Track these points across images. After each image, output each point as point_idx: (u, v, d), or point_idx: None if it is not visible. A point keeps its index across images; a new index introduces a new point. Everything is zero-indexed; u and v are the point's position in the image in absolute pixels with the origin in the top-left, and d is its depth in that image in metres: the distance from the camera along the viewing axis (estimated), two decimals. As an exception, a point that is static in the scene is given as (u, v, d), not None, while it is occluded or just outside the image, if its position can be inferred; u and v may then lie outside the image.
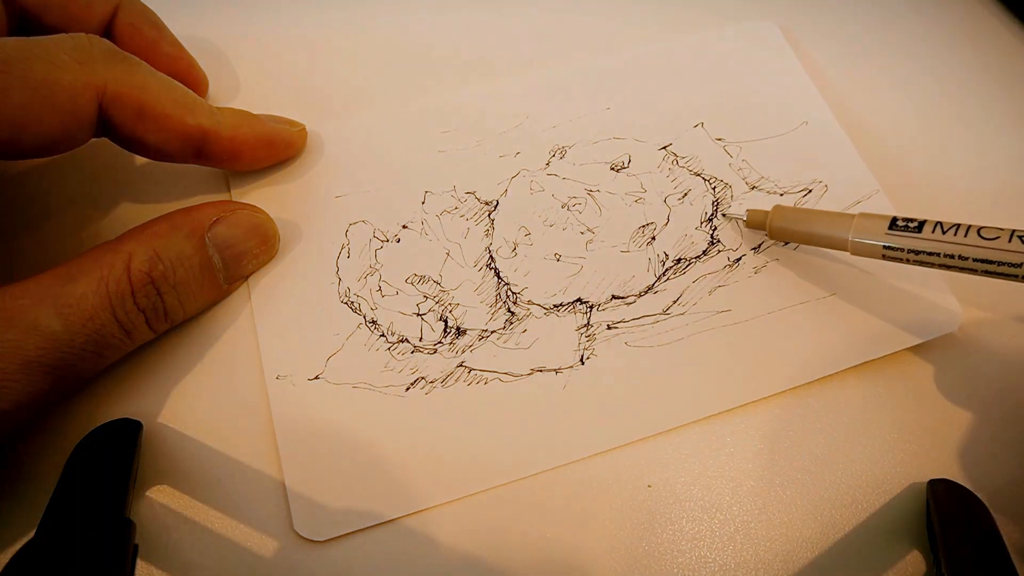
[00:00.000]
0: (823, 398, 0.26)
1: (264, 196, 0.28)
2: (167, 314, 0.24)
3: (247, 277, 0.27)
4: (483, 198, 0.29)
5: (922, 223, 0.23)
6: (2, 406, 0.20)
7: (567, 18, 0.33)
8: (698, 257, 0.28)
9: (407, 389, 0.25)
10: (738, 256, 0.28)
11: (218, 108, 0.26)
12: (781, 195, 0.29)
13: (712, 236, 0.28)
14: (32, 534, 0.20)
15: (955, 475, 0.24)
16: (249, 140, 0.27)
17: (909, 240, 0.23)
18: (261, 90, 0.31)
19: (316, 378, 0.25)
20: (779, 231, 0.26)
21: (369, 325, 0.26)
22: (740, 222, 0.28)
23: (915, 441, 0.25)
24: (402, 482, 0.24)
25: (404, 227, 0.28)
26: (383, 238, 0.28)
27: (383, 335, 0.26)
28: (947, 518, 0.22)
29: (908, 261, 0.23)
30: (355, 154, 0.30)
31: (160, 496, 0.24)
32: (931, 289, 0.27)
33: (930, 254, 0.22)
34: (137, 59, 0.24)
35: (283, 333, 0.26)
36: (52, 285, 0.21)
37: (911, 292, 0.27)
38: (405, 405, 0.25)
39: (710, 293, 0.27)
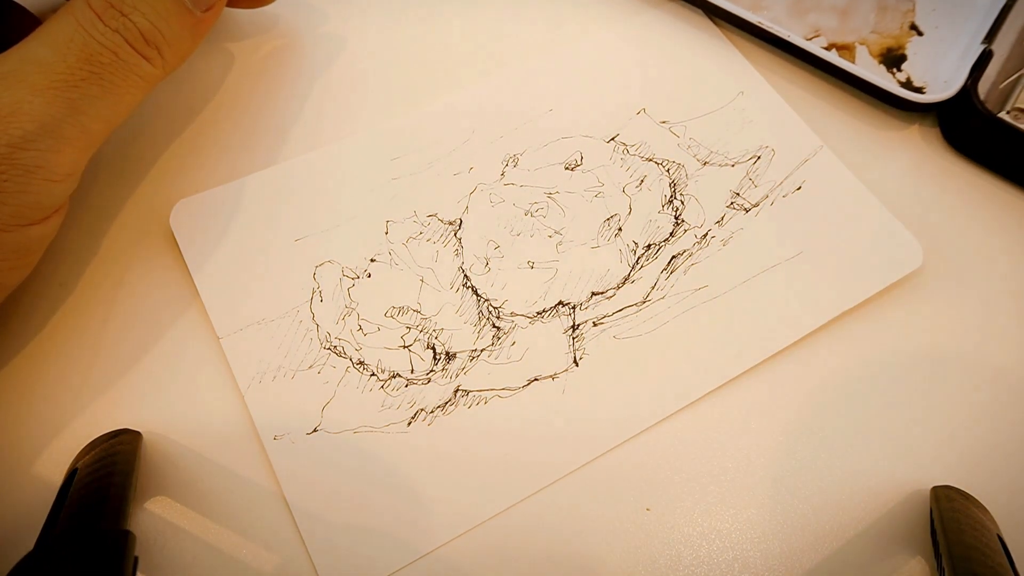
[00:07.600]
0: (826, 399, 0.26)
1: (219, 251, 0.27)
2: (144, 35, 0.24)
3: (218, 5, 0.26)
4: (446, 219, 0.28)
5: None
6: (27, 126, 0.21)
7: (493, 27, 0.33)
8: (666, 240, 0.28)
9: (408, 424, 0.25)
10: (704, 232, 0.28)
11: None
12: (733, 166, 0.30)
13: (676, 217, 0.29)
14: (31, 546, 0.19)
15: (959, 481, 0.24)
16: None
17: None
18: (196, 140, 0.30)
19: (315, 431, 0.24)
20: None
21: (357, 366, 0.26)
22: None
23: (918, 447, 0.25)
24: (420, 517, 0.23)
25: (372, 260, 0.28)
26: (353, 275, 0.27)
27: (374, 374, 0.26)
28: (951, 525, 0.22)
29: None
30: (306, 194, 0.29)
31: (160, 508, 0.23)
32: (889, 232, 0.28)
33: None
34: None
35: (270, 393, 0.25)
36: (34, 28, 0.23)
37: (871, 238, 0.28)
38: (410, 440, 0.24)
39: (685, 273, 0.27)
